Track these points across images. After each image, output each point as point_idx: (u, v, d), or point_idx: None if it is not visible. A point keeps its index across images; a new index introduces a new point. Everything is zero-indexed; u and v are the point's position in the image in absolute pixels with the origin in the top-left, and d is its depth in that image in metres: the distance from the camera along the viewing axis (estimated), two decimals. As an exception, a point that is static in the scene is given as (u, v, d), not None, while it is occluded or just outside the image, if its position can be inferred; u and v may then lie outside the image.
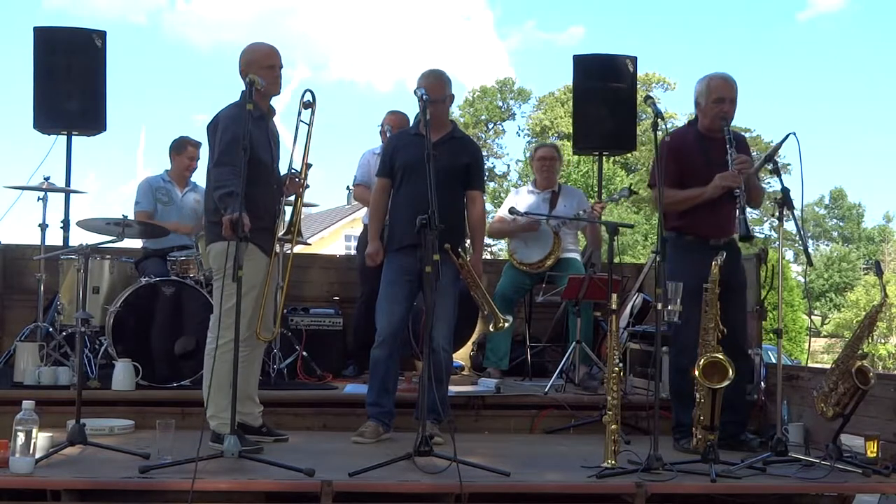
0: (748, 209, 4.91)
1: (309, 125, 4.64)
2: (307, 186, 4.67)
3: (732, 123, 4.92)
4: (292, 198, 4.79)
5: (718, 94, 4.90)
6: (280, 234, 4.62)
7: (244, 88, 4.31)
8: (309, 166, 4.66)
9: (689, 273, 4.63)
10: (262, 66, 4.48)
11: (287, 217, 4.69)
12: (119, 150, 63.02)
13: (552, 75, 62.40)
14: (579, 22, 66.05)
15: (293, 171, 4.67)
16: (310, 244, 4.86)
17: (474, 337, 7.04)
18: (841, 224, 50.84)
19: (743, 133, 5.05)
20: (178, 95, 61.40)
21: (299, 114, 4.64)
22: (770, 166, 4.83)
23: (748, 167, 4.80)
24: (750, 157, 4.93)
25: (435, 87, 4.82)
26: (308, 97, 4.65)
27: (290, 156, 4.64)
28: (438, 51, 55.62)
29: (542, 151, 7.02)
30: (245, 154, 4.03)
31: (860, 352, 4.63)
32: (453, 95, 5.07)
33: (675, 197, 4.89)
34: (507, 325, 5.13)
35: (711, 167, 4.84)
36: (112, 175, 57.74)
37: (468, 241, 5.14)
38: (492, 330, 5.33)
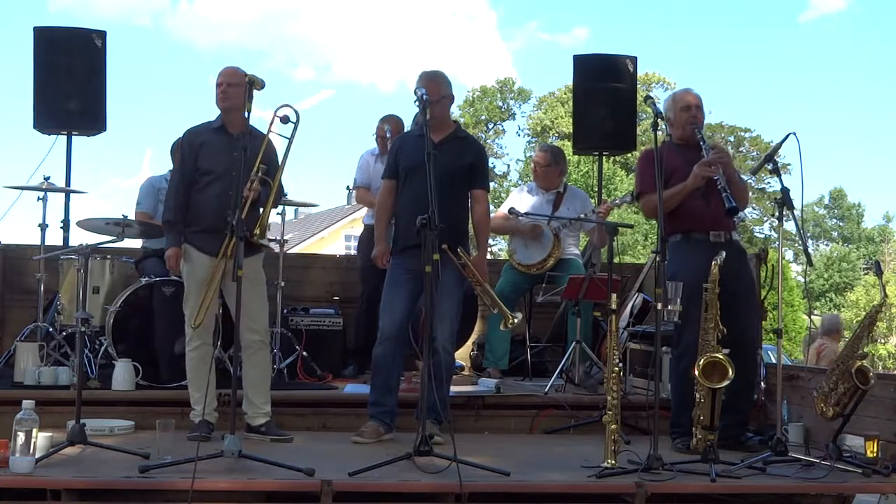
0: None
1: (290, 139, 4.67)
2: (261, 189, 4.60)
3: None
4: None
5: (685, 103, 5.05)
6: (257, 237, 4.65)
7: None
8: (262, 169, 4.58)
9: (691, 273, 4.65)
10: (217, 82, 4.84)
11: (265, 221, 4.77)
12: (123, 150, 63.10)
13: (555, 77, 62.34)
14: (583, 23, 66.02)
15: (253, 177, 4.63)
16: (268, 246, 4.85)
17: (474, 337, 7.04)
18: (841, 224, 50.79)
19: (742, 133, 5.06)
20: (181, 96, 61.44)
21: (270, 123, 4.67)
22: (770, 166, 4.84)
23: (724, 157, 4.88)
24: (728, 152, 4.97)
25: (431, 88, 4.82)
26: (288, 112, 4.62)
27: (256, 162, 4.57)
28: (441, 52, 55.64)
29: (535, 156, 6.96)
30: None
31: (860, 352, 4.64)
32: (453, 96, 5.08)
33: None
34: (516, 321, 5.13)
35: (691, 169, 4.88)
36: (112, 176, 57.77)
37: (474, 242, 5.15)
38: (502, 329, 5.34)
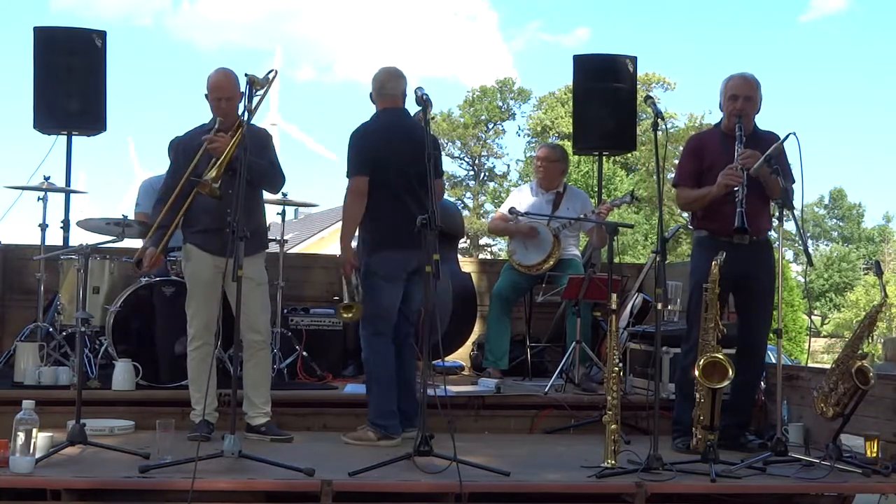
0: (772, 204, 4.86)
1: (261, 96, 4.59)
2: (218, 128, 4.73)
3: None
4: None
5: (732, 92, 4.87)
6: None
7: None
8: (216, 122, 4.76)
9: (707, 273, 4.62)
10: (210, 96, 4.81)
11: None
12: (123, 150, 63.02)
13: (556, 77, 62.23)
14: (585, 23, 65.94)
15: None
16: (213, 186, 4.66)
17: (474, 337, 7.04)
18: (841, 224, 50.77)
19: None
20: (182, 96, 61.35)
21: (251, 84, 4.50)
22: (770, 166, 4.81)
23: (752, 161, 4.69)
24: (759, 153, 4.82)
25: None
26: (270, 76, 4.60)
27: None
28: (442, 52, 55.69)
29: (540, 151, 7.00)
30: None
31: (860, 352, 4.64)
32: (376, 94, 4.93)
33: (688, 196, 4.91)
34: (355, 310, 4.79)
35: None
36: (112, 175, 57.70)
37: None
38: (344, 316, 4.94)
